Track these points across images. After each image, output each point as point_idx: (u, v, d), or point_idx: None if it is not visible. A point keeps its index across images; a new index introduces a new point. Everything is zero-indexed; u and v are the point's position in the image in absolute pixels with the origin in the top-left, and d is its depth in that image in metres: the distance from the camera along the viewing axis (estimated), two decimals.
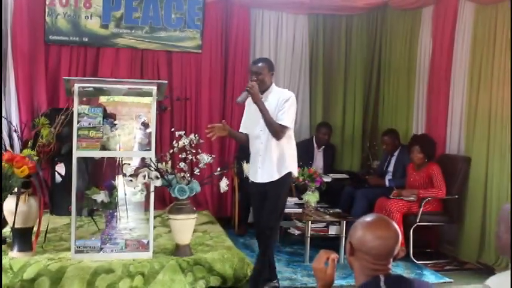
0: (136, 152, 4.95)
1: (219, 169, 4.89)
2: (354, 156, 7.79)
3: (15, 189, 4.43)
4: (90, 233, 5.34)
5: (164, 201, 6.86)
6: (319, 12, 7.60)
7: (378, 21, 7.75)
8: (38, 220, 4.65)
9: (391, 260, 2.13)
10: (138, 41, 6.96)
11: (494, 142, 5.63)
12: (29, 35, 6.57)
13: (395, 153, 6.66)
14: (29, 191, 4.62)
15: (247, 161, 6.10)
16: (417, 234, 5.89)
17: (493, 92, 5.66)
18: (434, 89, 6.56)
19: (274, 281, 4.71)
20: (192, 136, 4.72)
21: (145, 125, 4.90)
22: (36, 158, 4.69)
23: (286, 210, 6.02)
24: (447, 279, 5.31)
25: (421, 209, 5.73)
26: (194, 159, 4.74)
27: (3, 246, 4.77)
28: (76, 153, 4.52)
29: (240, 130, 4.73)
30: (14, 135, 5.63)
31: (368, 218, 2.17)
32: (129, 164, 5.24)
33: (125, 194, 5.32)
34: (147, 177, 4.58)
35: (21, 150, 4.99)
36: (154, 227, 5.09)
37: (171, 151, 4.82)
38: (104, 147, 4.64)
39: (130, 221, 5.73)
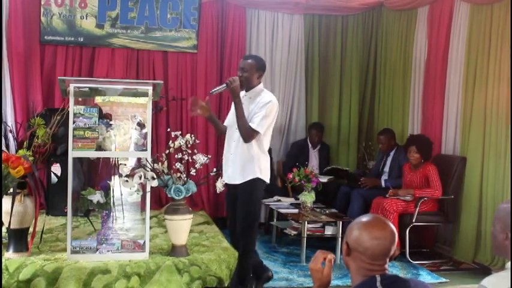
0: (132, 152, 4.96)
1: (215, 169, 4.88)
2: (350, 156, 7.79)
3: (11, 190, 4.42)
4: (86, 234, 5.34)
5: (160, 201, 6.85)
6: (315, 12, 7.61)
7: (374, 21, 7.76)
8: (33, 221, 4.63)
9: (388, 260, 2.13)
10: (133, 41, 6.95)
11: (490, 142, 5.64)
12: (24, 35, 6.55)
13: (391, 153, 6.67)
14: (25, 192, 4.60)
15: None
16: (413, 234, 5.90)
17: (489, 92, 5.67)
18: (429, 89, 6.57)
19: (268, 272, 4.67)
20: (188, 136, 4.71)
21: (141, 125, 4.91)
22: (31, 158, 4.67)
23: (283, 211, 6.04)
24: (443, 279, 5.31)
25: (417, 209, 5.74)
26: (190, 160, 4.73)
27: None
28: (72, 154, 4.50)
29: (225, 123, 4.58)
30: (10, 135, 5.61)
31: (364, 218, 2.17)
32: (125, 165, 5.24)
33: (121, 195, 5.31)
34: (143, 177, 4.57)
35: (16, 151, 4.98)
36: (151, 228, 5.08)
37: (167, 151, 4.81)
38: (99, 148, 4.63)
39: (126, 221, 5.73)
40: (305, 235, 5.65)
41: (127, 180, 4.66)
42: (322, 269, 2.24)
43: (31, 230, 4.67)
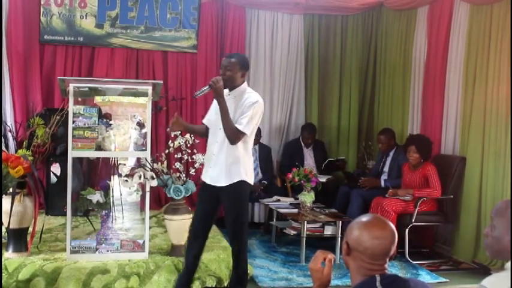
0: (131, 152, 4.94)
1: None
2: (350, 156, 7.79)
3: (10, 190, 4.42)
4: (86, 234, 5.34)
5: (160, 201, 6.86)
6: (315, 12, 7.61)
7: (373, 21, 7.76)
8: (33, 220, 4.64)
9: (387, 260, 2.12)
10: (133, 41, 6.95)
11: (489, 142, 5.64)
12: (24, 35, 6.55)
13: (391, 153, 6.66)
14: (24, 191, 4.61)
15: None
16: (413, 234, 5.90)
17: (488, 92, 5.67)
18: (429, 88, 6.57)
19: None
20: (187, 136, 4.72)
21: (140, 125, 4.89)
22: (31, 158, 4.67)
23: (282, 210, 6.04)
24: (443, 279, 5.31)
25: (417, 209, 5.74)
26: (190, 159, 4.73)
27: None
28: (71, 154, 4.51)
29: (204, 122, 4.36)
30: (9, 135, 5.61)
31: (365, 218, 2.17)
32: (125, 164, 5.24)
33: (121, 194, 5.31)
34: (142, 177, 4.58)
35: (16, 151, 4.98)
36: (150, 227, 5.09)
37: (167, 151, 4.81)
38: (99, 148, 4.63)
39: (125, 221, 5.73)
40: (304, 235, 5.65)
41: (126, 180, 4.66)
42: (322, 268, 2.24)
43: (30, 229, 4.68)
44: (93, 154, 4.77)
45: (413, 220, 5.76)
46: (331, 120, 7.75)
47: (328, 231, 5.79)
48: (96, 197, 4.71)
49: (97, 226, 5.09)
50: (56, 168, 6.11)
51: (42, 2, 6.59)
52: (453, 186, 5.93)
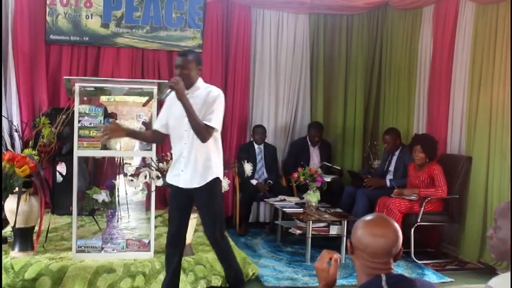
0: (137, 152, 4.96)
1: None
2: (355, 156, 7.78)
3: (17, 189, 4.43)
4: (91, 233, 5.36)
5: (165, 200, 6.85)
6: (320, 11, 7.60)
7: (379, 21, 7.75)
8: (39, 220, 4.66)
9: (391, 259, 2.12)
10: (139, 41, 6.95)
11: (495, 141, 5.62)
12: (30, 35, 6.56)
13: (396, 153, 6.65)
14: (30, 191, 4.63)
15: (248, 161, 6.12)
16: (418, 234, 5.89)
17: (494, 92, 5.65)
18: (435, 88, 6.56)
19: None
20: None
21: (146, 125, 4.89)
22: (37, 157, 4.70)
23: (288, 210, 6.04)
24: (448, 279, 5.29)
25: (422, 209, 5.73)
26: None
27: (4, 246, 4.78)
28: (77, 153, 4.52)
29: (155, 126, 4.22)
30: (15, 134, 5.64)
31: (368, 216, 2.19)
32: (130, 164, 5.25)
33: (126, 194, 5.32)
34: (148, 176, 4.58)
35: (22, 150, 5.00)
36: (155, 227, 5.09)
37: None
38: (104, 147, 4.64)
39: (131, 220, 5.74)
40: (310, 235, 5.64)
41: (132, 180, 4.67)
42: (328, 268, 2.24)
43: (36, 229, 4.70)
44: (98, 153, 4.78)
45: (418, 220, 5.75)
46: (336, 120, 7.74)
47: (334, 231, 5.78)
48: (102, 196, 4.72)
49: (103, 225, 5.11)
50: (61, 168, 6.14)
51: (48, 2, 6.60)
52: (459, 186, 5.92)
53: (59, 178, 6.16)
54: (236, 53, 7.29)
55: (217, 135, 4.02)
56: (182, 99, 3.79)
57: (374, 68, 7.81)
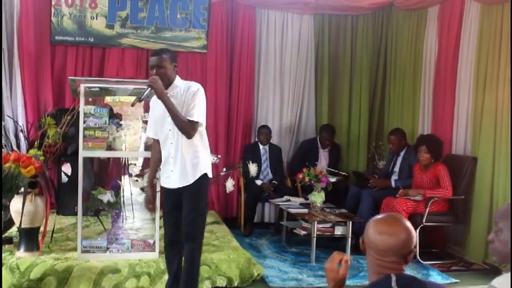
0: (142, 152, 4.96)
1: (224, 169, 4.90)
2: (360, 156, 7.78)
3: (22, 189, 4.44)
4: (97, 233, 5.36)
5: None
6: (325, 12, 7.59)
7: (384, 21, 7.74)
8: (44, 220, 4.67)
9: (402, 260, 2.11)
10: (143, 41, 6.96)
11: (501, 142, 5.61)
12: (35, 36, 6.58)
13: (402, 153, 6.63)
14: (36, 191, 4.64)
15: (253, 161, 6.12)
16: (423, 235, 5.88)
17: (499, 92, 5.64)
18: (440, 88, 6.55)
19: None
20: None
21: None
22: (42, 158, 4.71)
23: (293, 211, 6.04)
24: (453, 280, 5.29)
25: (428, 209, 5.71)
26: None
27: (10, 246, 4.80)
28: (82, 153, 4.53)
29: (148, 134, 4.21)
30: (21, 135, 5.66)
31: (381, 215, 2.22)
32: (135, 164, 5.26)
33: (131, 194, 5.33)
34: None
35: (27, 150, 5.02)
36: (160, 227, 5.09)
37: None
38: (109, 147, 4.65)
39: (136, 221, 5.75)
40: (315, 235, 5.64)
41: (137, 180, 4.68)
42: (338, 269, 2.24)
43: (42, 229, 4.71)
44: (103, 154, 4.79)
45: (424, 220, 5.74)
46: (341, 120, 7.73)
47: (339, 231, 5.77)
48: (107, 196, 4.73)
49: (107, 226, 5.11)
50: (67, 168, 6.14)
51: (53, 3, 6.62)
52: (464, 187, 5.91)
53: (64, 178, 6.17)
54: (241, 53, 7.30)
55: (202, 131, 3.97)
56: (162, 97, 3.72)
57: (379, 68, 7.80)
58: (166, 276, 4.46)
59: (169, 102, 3.74)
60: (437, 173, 5.85)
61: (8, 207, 4.55)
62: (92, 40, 6.82)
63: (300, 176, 6.12)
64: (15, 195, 4.50)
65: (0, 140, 5.31)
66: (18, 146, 5.63)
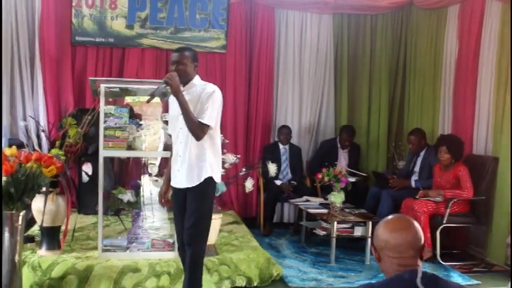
0: (161, 152, 4.97)
1: (244, 169, 4.90)
2: (380, 157, 7.74)
3: (44, 189, 4.48)
4: (117, 232, 5.39)
5: None
6: (344, 11, 7.57)
7: (403, 21, 7.70)
8: (65, 219, 4.71)
9: (418, 254, 2.10)
10: (162, 42, 7.00)
11: None
12: (56, 37, 6.65)
13: (422, 154, 6.59)
14: (57, 191, 4.68)
15: (273, 161, 6.11)
16: (444, 236, 5.82)
17: None
18: (460, 88, 6.49)
19: None
20: None
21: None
22: (63, 157, 4.75)
23: (312, 211, 6.02)
24: (475, 281, 5.23)
25: (448, 210, 5.67)
26: None
27: (32, 244, 4.86)
28: (102, 153, 4.56)
29: (168, 131, 4.18)
30: (42, 135, 5.72)
31: (384, 219, 2.23)
32: (155, 164, 5.27)
33: (151, 194, 5.35)
34: None
35: (49, 150, 5.05)
36: None
37: None
38: (129, 147, 4.67)
39: (156, 220, 5.76)
40: (334, 235, 5.62)
41: (157, 180, 4.69)
42: None
43: (63, 228, 4.75)
44: (123, 154, 4.81)
45: (444, 221, 5.69)
46: (361, 120, 7.70)
47: (358, 232, 5.75)
48: (127, 196, 4.76)
49: (128, 225, 5.14)
50: (87, 168, 6.20)
51: (73, 4, 6.68)
52: (485, 187, 5.85)
53: (85, 178, 6.22)
54: (260, 53, 7.31)
55: (214, 134, 3.87)
56: (177, 94, 3.69)
57: (398, 68, 7.76)
58: None
59: (184, 100, 3.69)
60: (457, 173, 5.80)
61: (30, 206, 4.59)
62: (112, 41, 6.87)
63: (320, 176, 6.10)
64: (37, 195, 4.53)
65: (0, 141, 5.41)
66: (40, 146, 5.67)
